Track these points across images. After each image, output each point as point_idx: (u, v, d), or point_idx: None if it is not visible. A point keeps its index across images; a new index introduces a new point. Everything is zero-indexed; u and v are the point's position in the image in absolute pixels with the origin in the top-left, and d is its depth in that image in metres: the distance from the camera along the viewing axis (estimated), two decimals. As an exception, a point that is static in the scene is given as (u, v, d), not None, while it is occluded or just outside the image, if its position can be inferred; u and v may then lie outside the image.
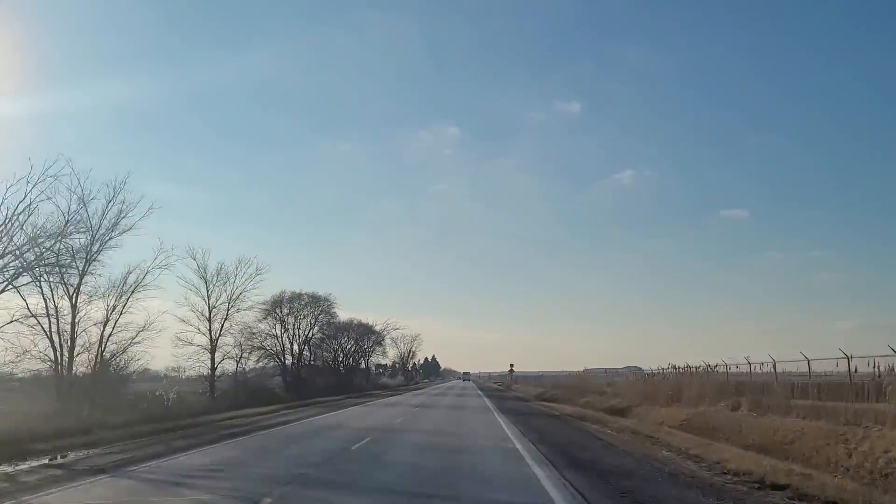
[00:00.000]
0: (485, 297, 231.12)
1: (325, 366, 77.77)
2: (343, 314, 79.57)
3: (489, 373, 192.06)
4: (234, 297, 41.11)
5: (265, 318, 57.06)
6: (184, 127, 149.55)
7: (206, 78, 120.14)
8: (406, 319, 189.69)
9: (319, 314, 62.79)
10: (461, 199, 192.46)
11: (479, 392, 66.85)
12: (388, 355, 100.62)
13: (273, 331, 57.89)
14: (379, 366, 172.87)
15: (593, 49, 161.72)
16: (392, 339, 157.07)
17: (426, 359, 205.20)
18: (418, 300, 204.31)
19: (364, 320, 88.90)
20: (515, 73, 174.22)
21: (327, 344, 78.20)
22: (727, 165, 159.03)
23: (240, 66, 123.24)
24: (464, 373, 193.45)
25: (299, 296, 60.63)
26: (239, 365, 44.13)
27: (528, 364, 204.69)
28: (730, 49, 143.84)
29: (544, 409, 39.90)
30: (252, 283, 41.77)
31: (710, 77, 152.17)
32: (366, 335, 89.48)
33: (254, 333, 56.96)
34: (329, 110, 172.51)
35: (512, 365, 75.02)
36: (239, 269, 41.40)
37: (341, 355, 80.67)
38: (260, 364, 58.17)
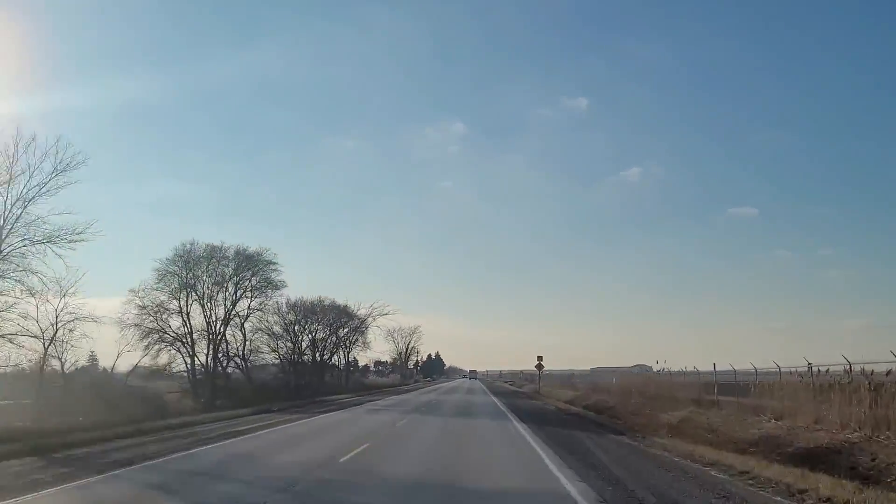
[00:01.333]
0: (490, 295, 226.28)
1: (284, 360, 57.31)
2: (307, 292, 59.35)
3: (499, 370, 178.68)
4: (12, 212, 20.38)
5: (160, 282, 36.67)
6: (188, 123, 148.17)
7: (210, 74, 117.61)
8: (410, 317, 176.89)
9: (253, 277, 41.86)
10: (467, 197, 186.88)
11: (495, 399, 45.95)
12: (373, 348, 79.74)
13: (176, 303, 37.34)
14: (379, 363, 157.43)
15: (601, 45, 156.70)
16: (388, 331, 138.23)
17: (429, 356, 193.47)
18: (423, 298, 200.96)
19: (338, 301, 68.51)
20: (522, 68, 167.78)
21: (288, 330, 57.76)
22: (736, 162, 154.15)
23: (244, 62, 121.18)
24: (470, 371, 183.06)
25: (218, 249, 39.87)
26: (67, 355, 23.27)
27: (533, 363, 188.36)
28: (739, 45, 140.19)
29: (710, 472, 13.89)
30: (47, 188, 20.94)
31: (719, 73, 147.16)
32: (341, 320, 68.94)
33: (144, 307, 36.53)
34: (334, 106, 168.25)
35: (540, 358, 52.38)
36: (17, 157, 20.60)
37: (304, 343, 60.18)
38: (160, 356, 37.68)
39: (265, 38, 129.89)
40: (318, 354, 63.42)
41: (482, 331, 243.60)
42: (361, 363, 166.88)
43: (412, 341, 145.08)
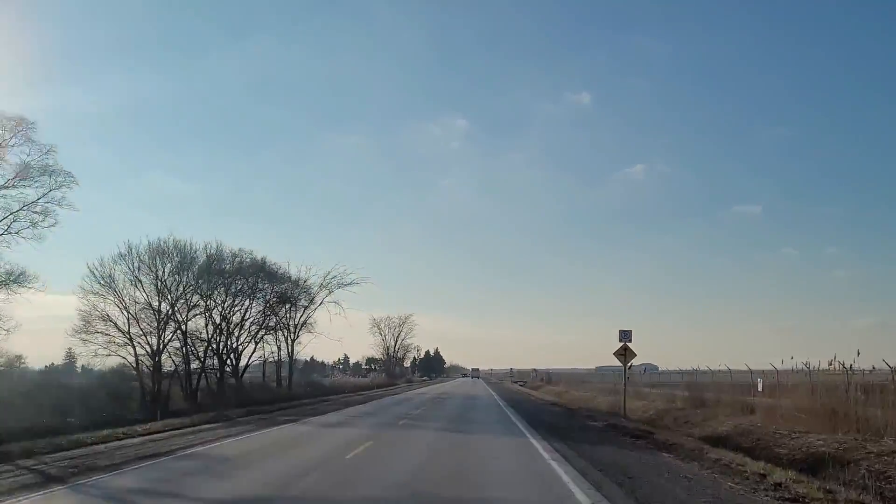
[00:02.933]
0: (493, 294, 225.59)
1: (143, 348, 32.46)
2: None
3: (508, 368, 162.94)
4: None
5: None
6: (188, 120, 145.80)
7: (208, 70, 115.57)
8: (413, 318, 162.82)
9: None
10: (469, 194, 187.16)
11: (550, 458, 13.62)
12: (320, 330, 54.02)
13: None
14: (371, 360, 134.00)
15: (604, 40, 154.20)
16: (374, 321, 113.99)
17: (427, 352, 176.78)
18: (424, 296, 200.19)
19: (266, 259, 43.70)
20: (524, 63, 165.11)
21: (143, 290, 32.81)
22: (741, 160, 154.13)
23: (243, 57, 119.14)
24: (472, 369, 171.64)
25: None
26: None
27: (537, 362, 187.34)
28: (744, 41, 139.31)
29: None
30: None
31: (724, 69, 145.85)
32: (270, 289, 44.10)
33: None
34: (334, 102, 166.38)
35: (627, 338, 25.60)
36: None
37: (184, 319, 34.94)
38: None
39: (264, 34, 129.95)
40: (219, 342, 38.69)
41: (484, 329, 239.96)
42: (353, 360, 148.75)
43: (402, 333, 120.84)
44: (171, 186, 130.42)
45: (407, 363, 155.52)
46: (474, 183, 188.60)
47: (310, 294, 49.72)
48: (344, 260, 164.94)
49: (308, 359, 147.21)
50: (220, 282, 38.39)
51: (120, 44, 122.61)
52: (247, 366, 44.06)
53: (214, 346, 38.63)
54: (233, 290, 39.81)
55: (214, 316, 38.13)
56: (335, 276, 52.07)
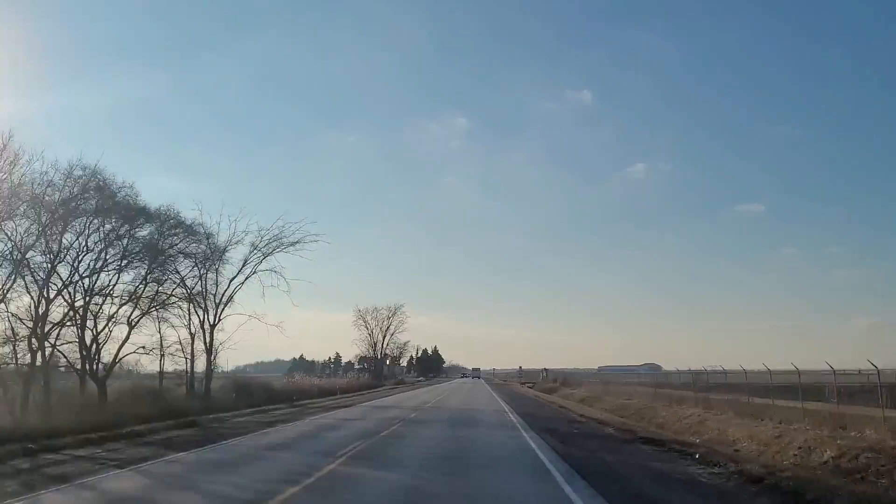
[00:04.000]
0: (493, 294, 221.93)
1: None
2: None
3: (518, 367, 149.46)
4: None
5: None
6: (188, 119, 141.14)
7: (208, 68, 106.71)
8: (413, 316, 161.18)
9: None
10: (469, 193, 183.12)
11: None
12: (244, 306, 38.21)
13: None
14: (364, 359, 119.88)
15: (605, 37, 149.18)
16: (358, 313, 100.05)
17: (424, 351, 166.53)
18: (424, 295, 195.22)
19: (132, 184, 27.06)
20: (525, 61, 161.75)
21: None
22: (743, 159, 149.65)
23: (244, 56, 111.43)
24: (472, 369, 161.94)
25: None
26: None
27: (537, 362, 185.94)
28: (746, 39, 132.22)
29: None
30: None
31: (726, 67, 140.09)
32: (153, 236, 27.75)
33: None
34: (334, 101, 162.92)
35: None
36: None
37: None
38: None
39: (265, 32, 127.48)
40: (36, 320, 22.22)
41: (484, 329, 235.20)
42: (345, 358, 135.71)
43: (392, 326, 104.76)
44: (170, 185, 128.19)
45: (404, 362, 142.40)
46: (475, 182, 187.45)
47: (222, 254, 33.61)
48: (343, 258, 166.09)
49: (297, 356, 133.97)
50: (34, 214, 21.97)
51: (119, 44, 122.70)
52: (115, 361, 27.57)
53: (28, 326, 22.24)
54: (71, 231, 23.46)
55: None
56: (276, 236, 35.98)
